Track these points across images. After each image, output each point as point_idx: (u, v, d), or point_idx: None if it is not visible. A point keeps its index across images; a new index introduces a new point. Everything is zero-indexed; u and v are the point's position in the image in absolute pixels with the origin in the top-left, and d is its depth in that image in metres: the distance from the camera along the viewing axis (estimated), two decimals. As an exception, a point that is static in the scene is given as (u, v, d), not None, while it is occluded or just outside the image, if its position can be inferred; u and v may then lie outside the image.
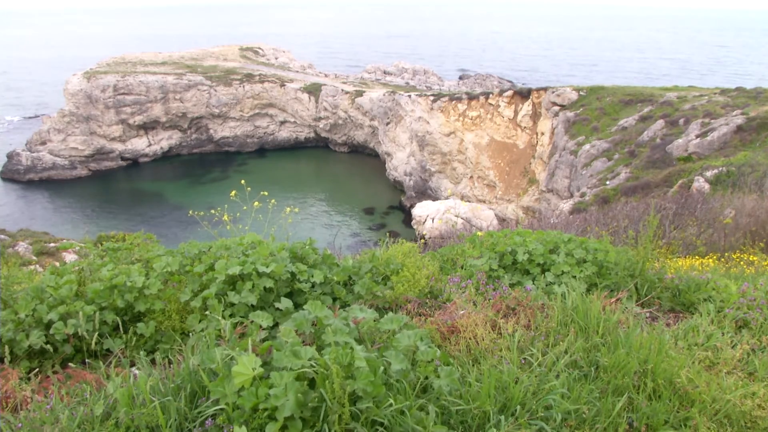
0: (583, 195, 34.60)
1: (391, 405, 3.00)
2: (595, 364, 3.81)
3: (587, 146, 41.00)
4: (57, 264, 6.88)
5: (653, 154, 34.73)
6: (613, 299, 4.83)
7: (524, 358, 3.80)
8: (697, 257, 10.80)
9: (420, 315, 4.90)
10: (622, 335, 3.98)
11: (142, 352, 3.99)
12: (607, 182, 34.46)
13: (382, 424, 3.00)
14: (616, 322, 4.20)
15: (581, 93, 48.85)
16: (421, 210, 39.48)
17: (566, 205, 32.79)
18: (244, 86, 72.72)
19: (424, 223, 36.92)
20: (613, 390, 3.55)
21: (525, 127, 53.07)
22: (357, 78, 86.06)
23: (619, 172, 34.89)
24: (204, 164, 70.41)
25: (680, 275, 6.13)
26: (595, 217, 16.63)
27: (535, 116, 52.52)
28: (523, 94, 53.99)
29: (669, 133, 36.70)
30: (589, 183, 36.84)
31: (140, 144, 70.83)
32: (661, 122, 38.35)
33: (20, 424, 3.18)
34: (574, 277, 5.76)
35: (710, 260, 10.21)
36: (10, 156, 67.16)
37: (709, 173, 24.50)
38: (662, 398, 3.49)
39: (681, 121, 37.33)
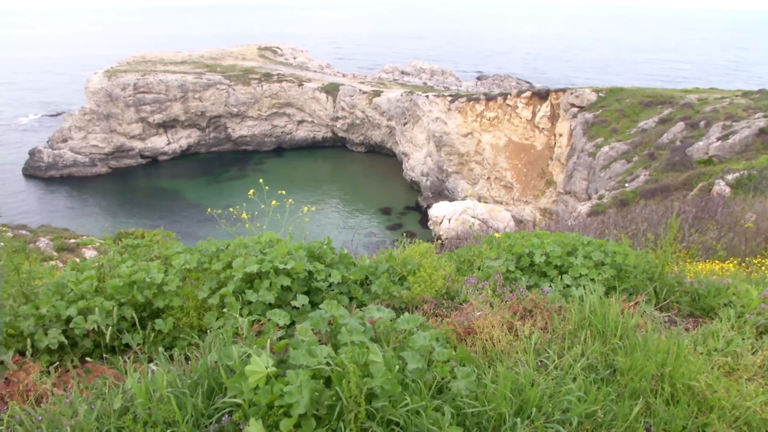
0: (601, 197, 34.32)
1: (406, 404, 3.01)
2: (612, 367, 3.78)
3: (606, 148, 40.65)
4: (77, 260, 6.98)
5: (673, 156, 34.35)
6: (632, 303, 4.78)
7: (541, 361, 3.78)
8: (717, 262, 10.66)
9: (436, 316, 4.90)
10: (640, 339, 3.95)
11: (160, 348, 4.03)
12: (626, 185, 34.15)
13: (397, 424, 3.00)
14: (634, 325, 4.16)
15: (600, 94, 48.46)
16: (438, 210, 39.39)
17: (584, 208, 32.55)
18: (262, 85, 73.11)
19: (440, 223, 36.85)
20: (630, 394, 3.52)
21: (543, 129, 52.76)
22: (375, 78, 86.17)
23: (638, 175, 34.55)
24: (222, 163, 70.89)
25: (700, 279, 6.06)
26: (614, 220, 16.49)
27: (554, 117, 52.18)
28: (542, 95, 53.67)
29: (689, 135, 36.28)
30: (608, 185, 36.52)
31: (159, 142, 71.50)
32: (681, 124, 37.92)
33: (40, 417, 3.22)
34: (592, 279, 5.72)
35: (731, 265, 10.08)
36: (32, 153, 68.12)
37: (730, 177, 24.19)
38: (680, 403, 3.45)
39: (702, 123, 36.89)
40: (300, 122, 75.71)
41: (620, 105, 46.05)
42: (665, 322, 5.09)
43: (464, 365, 3.47)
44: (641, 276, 5.88)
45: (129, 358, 4.37)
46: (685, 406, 3.44)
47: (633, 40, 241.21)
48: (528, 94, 54.47)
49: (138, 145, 70.46)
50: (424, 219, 50.47)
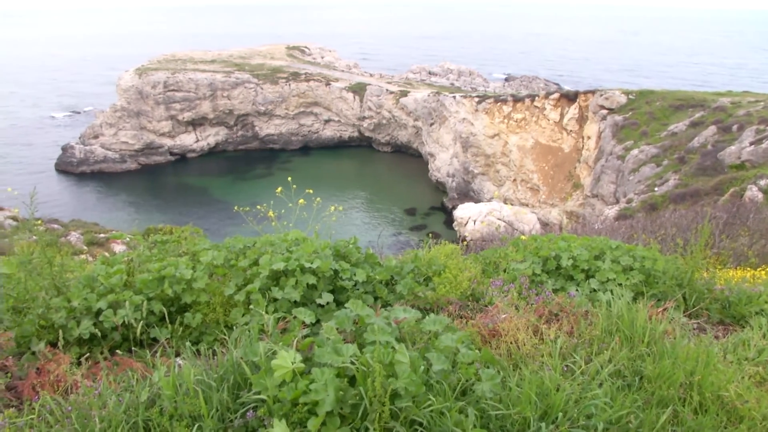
0: (629, 201, 33.87)
1: (430, 405, 3.01)
2: (639, 374, 3.73)
3: (635, 151, 40.11)
4: (107, 254, 7.10)
5: (704, 160, 33.74)
6: (660, 309, 4.71)
7: (566, 365, 3.74)
8: (748, 269, 10.45)
9: (461, 317, 4.88)
10: (669, 345, 3.89)
11: (187, 343, 4.08)
12: (655, 189, 33.65)
13: (421, 424, 3.00)
14: (663, 332, 4.10)
15: (630, 96, 47.80)
16: (463, 212, 39.23)
17: (612, 211, 32.16)
18: (290, 85, 73.57)
19: (465, 224, 36.70)
20: (657, 401, 3.47)
21: (571, 131, 52.22)
22: (402, 78, 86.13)
23: (668, 179, 34.03)
24: (249, 161, 71.51)
25: (731, 287, 5.95)
26: (642, 224, 16.27)
27: (582, 119, 51.61)
28: (570, 97, 53.12)
29: (721, 139, 35.61)
30: (637, 189, 36.02)
31: (188, 140, 72.38)
32: (713, 128, 37.23)
33: (70, 407, 3.28)
34: (620, 284, 5.65)
35: (763, 272, 9.87)
36: (65, 149, 69.52)
37: (763, 182, 23.69)
38: (709, 412, 3.39)
39: (734, 127, 36.16)
40: (327, 121, 76.03)
41: (650, 108, 45.37)
42: (694, 329, 5.01)
43: (488, 367, 3.46)
44: (670, 282, 5.80)
45: (157, 351, 4.43)
46: (714, 416, 3.38)
47: (665, 42, 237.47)
48: (556, 95, 53.97)
49: (167, 142, 71.42)
50: (449, 220, 50.35)
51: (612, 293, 4.65)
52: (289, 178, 8.90)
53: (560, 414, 3.17)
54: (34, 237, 5.89)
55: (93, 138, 70.31)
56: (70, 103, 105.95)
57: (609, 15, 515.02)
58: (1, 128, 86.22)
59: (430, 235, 8.45)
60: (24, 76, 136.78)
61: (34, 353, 4.55)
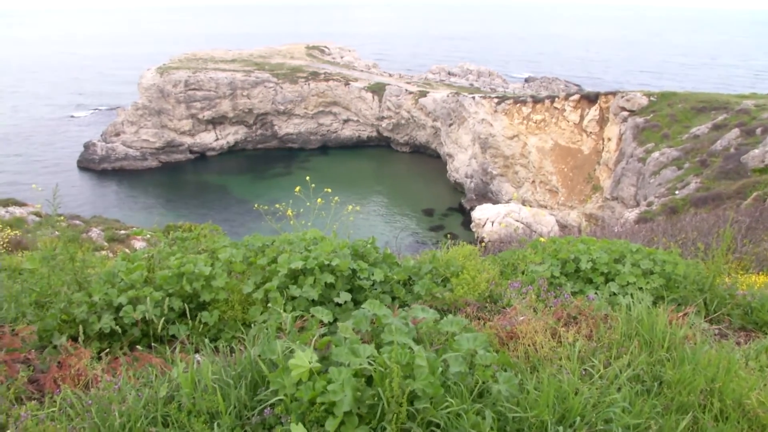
0: (650, 204, 33.52)
1: (448, 407, 3.00)
2: (659, 379, 3.69)
3: (656, 154, 39.66)
4: (127, 250, 7.18)
5: (726, 164, 33.28)
6: (681, 314, 4.66)
7: (585, 369, 3.71)
8: (771, 274, 10.28)
9: (479, 319, 4.86)
10: (689, 351, 3.84)
11: (206, 340, 4.11)
12: (676, 192, 33.25)
13: (438, 426, 2.99)
14: (683, 337, 4.05)
15: (652, 98, 47.29)
16: (481, 213, 39.06)
17: (632, 214, 31.85)
18: (309, 84, 73.82)
19: (483, 226, 36.55)
20: (677, 407, 3.43)
21: (591, 133, 51.79)
22: (421, 78, 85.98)
23: (689, 182, 33.62)
24: (268, 160, 71.87)
25: (753, 292, 5.86)
26: (663, 228, 16.08)
27: (602, 121, 51.17)
28: (591, 98, 52.69)
29: (744, 142, 35.08)
30: (657, 192, 35.63)
31: (208, 138, 72.94)
32: (736, 131, 36.69)
33: (90, 401, 3.32)
34: (640, 288, 5.59)
35: (786, 278, 9.70)
36: (87, 146, 70.44)
37: (787, 186, 23.30)
38: (730, 420, 3.35)
39: (758, 130, 35.61)
40: (345, 121, 76.18)
41: (672, 110, 44.84)
42: (715, 335, 4.94)
43: (506, 370, 3.44)
44: (691, 287, 5.73)
45: (175, 348, 4.47)
46: (734, 423, 3.33)
47: (688, 43, 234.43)
48: (576, 97, 53.56)
49: (187, 140, 72.04)
50: (467, 221, 50.17)
51: (632, 297, 4.60)
52: (308, 178, 8.94)
53: (578, 418, 3.15)
54: (57, 233, 5.97)
55: (114, 136, 71.14)
56: (92, 101, 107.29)
57: (630, 15, 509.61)
58: (25, 126, 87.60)
59: (448, 236, 8.43)
60: (45, 74, 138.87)
61: (55, 347, 4.61)
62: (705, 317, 5.31)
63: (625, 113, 47.56)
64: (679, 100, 46.25)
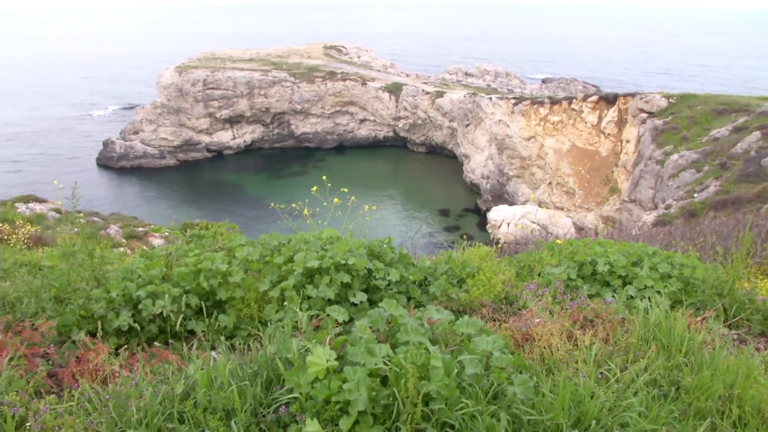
0: (668, 207, 33.19)
1: (462, 408, 2.99)
2: (676, 384, 3.65)
3: (675, 156, 39.27)
4: (145, 247, 7.25)
5: (747, 167, 32.86)
6: (699, 318, 4.61)
7: (601, 373, 3.68)
8: (792, 279, 10.13)
9: (494, 320, 4.85)
10: (707, 356, 3.80)
11: (222, 337, 4.14)
12: (695, 195, 32.90)
13: (452, 427, 2.99)
14: (701, 342, 4.00)
15: (671, 100, 46.83)
16: (497, 214, 38.92)
17: (649, 217, 31.57)
18: (326, 84, 73.98)
19: (499, 227, 36.41)
20: (694, 413, 3.39)
21: (609, 134, 51.39)
22: (438, 79, 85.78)
23: (709, 185, 33.25)
24: (284, 159, 72.15)
25: (773, 297, 5.78)
26: (681, 231, 15.91)
27: (621, 123, 50.75)
28: (609, 100, 52.28)
29: (765, 145, 34.62)
30: (676, 195, 35.28)
31: (225, 137, 73.39)
32: (757, 134, 36.21)
33: (107, 396, 3.36)
34: (658, 292, 5.54)
35: (807, 283, 9.56)
36: (106, 144, 71.20)
37: (809, 190, 22.95)
38: (749, 427, 3.31)
39: (780, 133, 35.13)
40: (362, 121, 76.25)
41: (692, 112, 44.37)
42: (734, 340, 4.88)
43: (521, 372, 3.43)
44: (710, 291, 5.66)
45: (192, 345, 4.51)
46: (753, 430, 3.29)
47: (708, 44, 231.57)
48: (594, 98, 53.17)
49: (205, 139, 72.53)
50: (483, 222, 49.99)
51: (649, 301, 4.56)
52: (324, 177, 8.96)
53: (594, 422, 3.13)
54: (76, 229, 6.04)
55: (133, 134, 71.83)
56: (111, 99, 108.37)
57: (649, 16, 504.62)
58: (45, 124, 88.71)
59: (464, 236, 8.41)
60: (65, 73, 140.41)
61: (74, 342, 4.67)
62: (724, 322, 5.24)
63: (644, 115, 47.14)
64: (699, 102, 45.76)
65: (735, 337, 4.99)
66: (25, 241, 15.07)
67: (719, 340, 4.27)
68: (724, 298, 5.58)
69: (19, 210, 23.97)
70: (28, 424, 3.21)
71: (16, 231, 15.83)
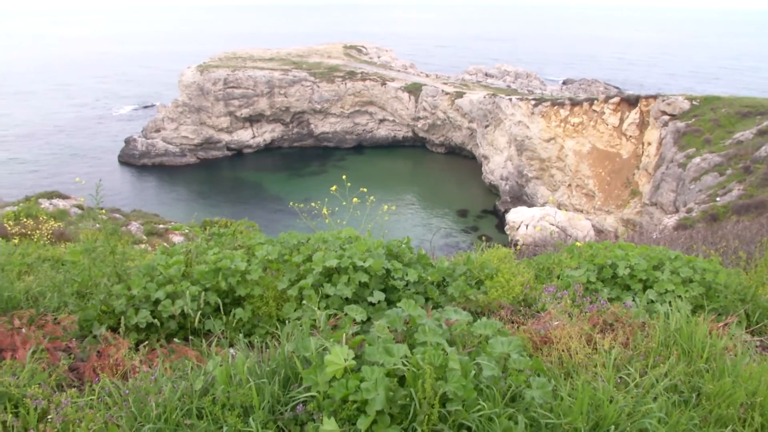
0: (689, 211, 32.78)
1: (480, 410, 2.98)
2: (697, 390, 3.61)
3: (698, 159, 38.76)
4: (166, 245, 7.32)
5: (772, 171, 32.32)
6: (721, 324, 4.55)
7: (620, 377, 3.65)
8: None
9: (512, 322, 4.83)
10: (729, 363, 3.75)
11: (240, 335, 4.17)
12: (718, 199, 32.45)
13: (469, 429, 2.98)
14: (723, 348, 3.95)
15: (694, 103, 46.24)
16: (516, 216, 38.74)
17: (671, 221, 31.21)
18: (345, 83, 74.11)
19: (517, 229, 36.23)
20: (715, 420, 3.35)
21: (630, 136, 50.87)
22: (458, 79, 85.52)
23: (732, 189, 32.77)
24: (303, 158, 72.41)
25: (798, 304, 5.68)
26: (702, 235, 15.71)
27: (642, 125, 50.21)
28: (631, 102, 51.75)
29: (791, 149, 34.05)
30: (698, 198, 34.83)
31: (245, 135, 73.86)
32: (783, 138, 35.64)
33: (128, 391, 3.40)
34: (679, 296, 5.48)
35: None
36: (128, 141, 72.04)
37: (836, 196, 22.53)
38: (771, 435, 3.26)
39: (807, 137, 34.54)
40: (381, 121, 76.27)
41: (715, 114, 43.76)
42: (757, 347, 4.81)
43: (539, 375, 3.41)
44: (732, 296, 5.59)
45: (211, 342, 4.54)
46: (776, 438, 3.24)
47: (733, 46, 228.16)
48: (616, 99, 52.67)
49: (225, 137, 73.06)
50: (501, 223, 49.78)
51: (670, 305, 4.51)
52: (344, 176, 8.98)
53: (612, 427, 3.10)
54: (98, 225, 6.11)
55: (155, 132, 72.58)
56: (133, 98, 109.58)
57: (673, 17, 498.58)
58: (68, 122, 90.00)
59: (483, 237, 8.38)
60: (88, 71, 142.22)
61: (95, 337, 4.73)
62: (746, 328, 5.17)
63: (666, 117, 46.61)
64: (722, 104, 45.14)
65: (758, 343, 4.92)
66: (48, 236, 15.30)
67: (741, 347, 4.21)
68: (746, 304, 5.50)
69: (42, 206, 24.34)
70: (49, 416, 3.25)
71: (40, 226, 16.09)
